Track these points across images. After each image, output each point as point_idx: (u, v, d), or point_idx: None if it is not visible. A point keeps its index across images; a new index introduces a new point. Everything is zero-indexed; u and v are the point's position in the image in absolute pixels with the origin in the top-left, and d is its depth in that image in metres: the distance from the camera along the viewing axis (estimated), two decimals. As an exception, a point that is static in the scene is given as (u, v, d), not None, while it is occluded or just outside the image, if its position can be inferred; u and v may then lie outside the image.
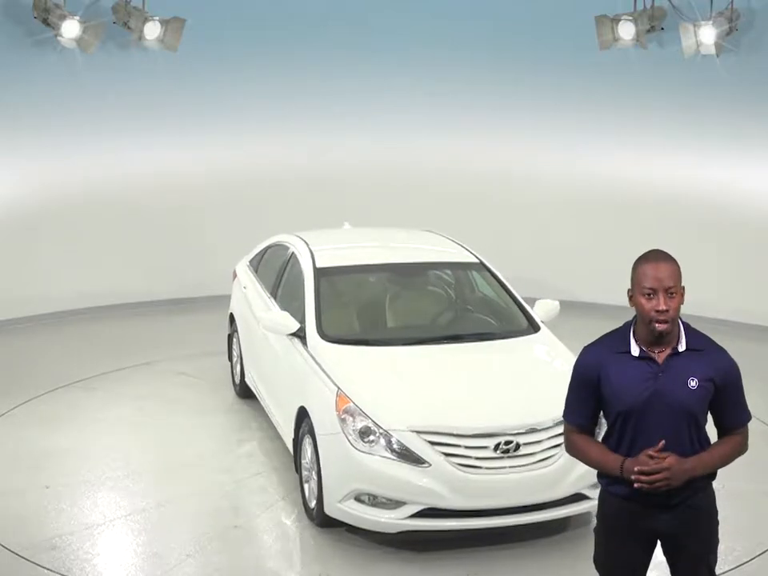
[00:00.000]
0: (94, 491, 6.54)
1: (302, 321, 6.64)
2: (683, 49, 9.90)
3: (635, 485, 3.51)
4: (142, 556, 5.72)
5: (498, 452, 5.42)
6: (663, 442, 3.50)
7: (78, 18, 9.64)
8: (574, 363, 3.83)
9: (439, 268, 7.52)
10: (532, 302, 7.10)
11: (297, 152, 11.46)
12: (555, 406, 5.51)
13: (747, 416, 3.72)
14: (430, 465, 5.37)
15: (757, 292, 10.67)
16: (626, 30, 10.10)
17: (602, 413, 3.78)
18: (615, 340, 3.70)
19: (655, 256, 3.60)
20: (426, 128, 11.46)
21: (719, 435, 3.74)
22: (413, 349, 6.40)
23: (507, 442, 5.43)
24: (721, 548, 3.87)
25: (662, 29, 10.14)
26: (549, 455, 5.51)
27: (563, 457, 5.35)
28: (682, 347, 3.61)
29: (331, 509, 5.67)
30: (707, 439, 3.68)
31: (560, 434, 5.34)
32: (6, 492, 6.48)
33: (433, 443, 5.41)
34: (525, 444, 5.47)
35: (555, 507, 5.60)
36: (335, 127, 11.35)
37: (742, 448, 3.71)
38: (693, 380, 3.56)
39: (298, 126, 11.34)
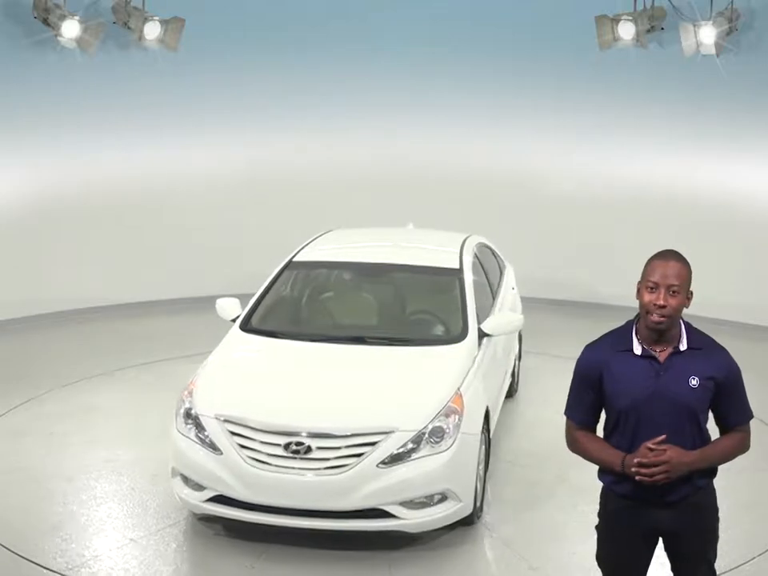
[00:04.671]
0: (70, 447, 7.03)
1: None
2: (683, 49, 9.91)
3: (636, 478, 3.52)
4: (34, 502, 6.18)
5: (287, 451, 5.41)
6: (664, 435, 3.52)
7: (77, 17, 9.63)
8: (575, 361, 3.82)
9: (416, 272, 7.30)
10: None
11: (297, 151, 11.44)
12: (369, 415, 5.55)
13: (749, 415, 3.74)
14: (222, 453, 5.48)
15: (757, 292, 10.67)
16: (626, 30, 10.08)
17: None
18: (617, 338, 3.72)
19: (666, 254, 3.64)
20: (421, 128, 11.49)
21: (721, 434, 3.76)
22: (309, 346, 6.39)
23: (298, 443, 5.41)
24: (720, 548, 3.86)
25: (662, 29, 10.12)
26: (343, 463, 5.37)
27: (359, 467, 5.34)
28: (683, 346, 3.63)
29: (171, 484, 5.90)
30: (708, 437, 3.70)
31: (360, 444, 5.38)
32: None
33: (233, 434, 5.50)
34: (318, 448, 5.40)
35: (355, 519, 5.44)
36: (337, 127, 11.34)
37: (743, 446, 3.73)
38: (694, 378, 3.59)
39: (299, 125, 11.32)
